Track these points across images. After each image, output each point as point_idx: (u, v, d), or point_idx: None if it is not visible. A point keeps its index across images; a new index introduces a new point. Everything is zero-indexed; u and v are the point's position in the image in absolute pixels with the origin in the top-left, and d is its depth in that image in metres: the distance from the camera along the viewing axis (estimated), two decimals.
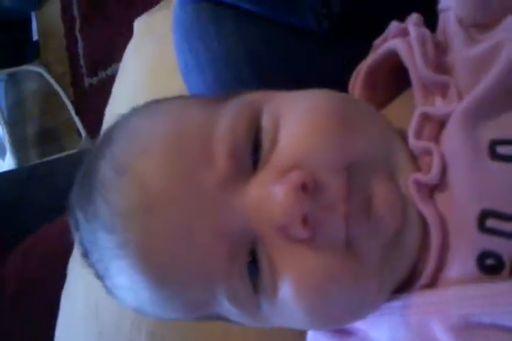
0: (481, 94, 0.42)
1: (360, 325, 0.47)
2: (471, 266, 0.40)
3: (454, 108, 0.43)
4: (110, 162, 0.43)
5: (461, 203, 0.41)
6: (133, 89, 0.87)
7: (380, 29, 0.52)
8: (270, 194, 0.39)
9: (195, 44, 0.59)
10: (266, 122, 0.43)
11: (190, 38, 0.60)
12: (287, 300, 0.41)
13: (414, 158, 0.44)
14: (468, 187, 0.41)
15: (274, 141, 0.42)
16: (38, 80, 2.17)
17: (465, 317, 0.40)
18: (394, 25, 0.50)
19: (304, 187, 0.39)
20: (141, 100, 0.50)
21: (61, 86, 2.08)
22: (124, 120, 0.48)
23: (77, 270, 0.85)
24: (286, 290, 0.41)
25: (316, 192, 0.39)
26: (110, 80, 1.93)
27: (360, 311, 0.43)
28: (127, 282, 0.43)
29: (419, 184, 0.42)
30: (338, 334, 0.48)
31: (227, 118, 0.43)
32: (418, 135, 0.43)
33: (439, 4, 0.50)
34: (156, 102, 0.49)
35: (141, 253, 0.41)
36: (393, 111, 0.51)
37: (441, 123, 0.44)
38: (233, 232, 0.41)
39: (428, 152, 0.43)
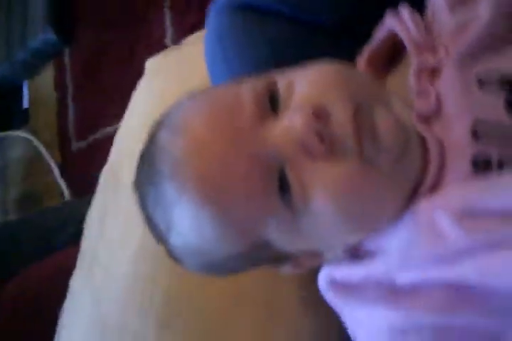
0: (470, 40, 0.55)
1: (372, 245, 0.56)
2: (466, 167, 0.52)
3: (441, 58, 0.56)
4: (167, 130, 0.55)
5: (455, 118, 0.53)
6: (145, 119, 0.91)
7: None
8: (292, 123, 0.50)
9: (227, 43, 0.72)
10: (281, 83, 0.54)
11: (224, 44, 0.71)
12: (318, 208, 0.51)
13: (408, 106, 0.55)
14: (461, 105, 0.53)
15: (291, 93, 0.53)
16: (24, 146, 2.18)
17: (464, 207, 0.51)
18: (388, 14, 0.63)
19: (316, 114, 0.49)
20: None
21: (48, 152, 2.09)
22: (175, 105, 0.60)
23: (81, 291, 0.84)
24: (316, 200, 0.50)
25: (327, 117, 0.50)
26: (99, 144, 1.97)
27: (382, 213, 0.53)
28: (190, 221, 0.53)
29: (419, 114, 0.54)
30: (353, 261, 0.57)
31: (250, 83, 0.55)
32: (417, 83, 0.55)
33: None
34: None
35: (197, 184, 0.52)
36: (390, 82, 0.62)
37: (434, 73, 0.56)
38: (266, 159, 0.51)
39: (426, 93, 0.55)
